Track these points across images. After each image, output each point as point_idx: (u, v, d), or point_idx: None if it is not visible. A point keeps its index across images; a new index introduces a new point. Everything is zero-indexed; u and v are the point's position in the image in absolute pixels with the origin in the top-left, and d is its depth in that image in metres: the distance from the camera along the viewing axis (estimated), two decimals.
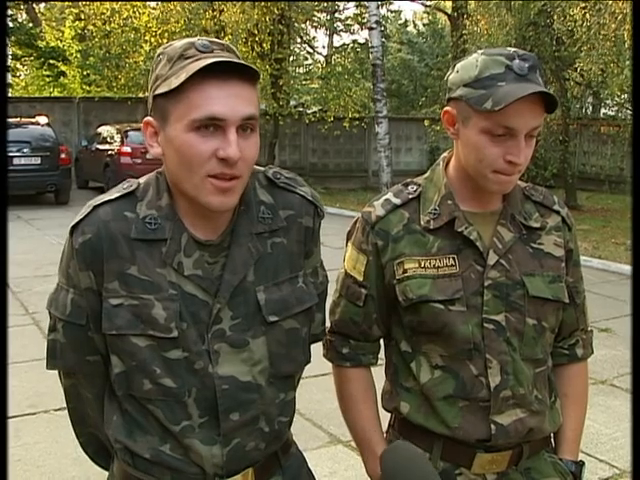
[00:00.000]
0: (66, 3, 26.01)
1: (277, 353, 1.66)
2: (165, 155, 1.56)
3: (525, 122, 1.71)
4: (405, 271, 1.84)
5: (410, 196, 1.90)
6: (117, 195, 1.62)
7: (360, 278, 1.92)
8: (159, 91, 1.51)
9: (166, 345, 1.57)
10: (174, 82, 1.47)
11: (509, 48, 1.78)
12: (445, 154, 1.97)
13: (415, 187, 1.92)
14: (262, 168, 1.74)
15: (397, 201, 1.90)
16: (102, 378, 1.71)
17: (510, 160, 1.72)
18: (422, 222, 1.86)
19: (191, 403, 1.60)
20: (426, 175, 1.96)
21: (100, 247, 1.57)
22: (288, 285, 1.68)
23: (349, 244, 1.97)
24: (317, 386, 5.11)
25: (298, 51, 28.96)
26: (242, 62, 1.48)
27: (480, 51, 1.79)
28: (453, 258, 1.83)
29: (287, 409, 1.75)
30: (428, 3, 34.49)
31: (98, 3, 21.38)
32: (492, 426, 1.82)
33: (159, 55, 1.56)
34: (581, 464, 1.96)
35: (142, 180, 1.67)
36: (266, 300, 1.64)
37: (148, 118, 1.58)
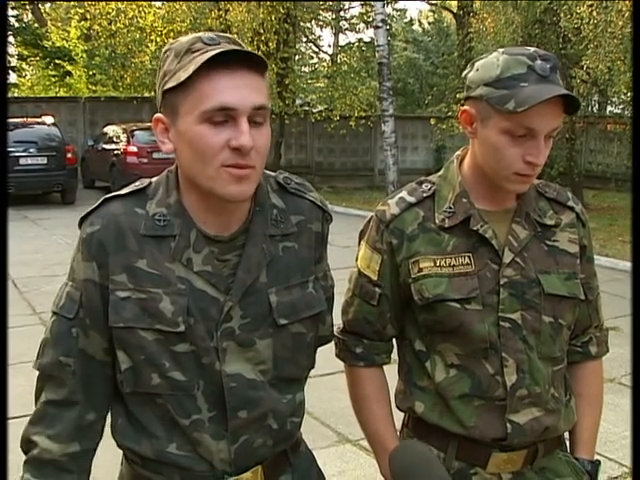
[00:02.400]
0: (72, 3, 26.07)
1: (282, 356, 1.66)
2: (177, 150, 1.55)
3: (546, 123, 1.71)
4: (420, 270, 1.83)
5: (424, 194, 1.89)
6: (128, 191, 1.63)
7: (374, 277, 1.91)
8: (168, 86, 1.50)
9: (173, 339, 1.57)
10: (182, 75, 1.46)
11: (529, 47, 1.78)
12: (459, 152, 1.96)
13: (429, 185, 1.91)
14: (273, 173, 1.75)
15: (412, 199, 1.89)
16: (71, 387, 1.62)
17: (529, 161, 1.72)
18: (437, 220, 1.85)
19: (200, 396, 1.60)
20: (440, 173, 1.95)
21: (107, 239, 1.57)
22: (298, 290, 1.68)
23: (362, 243, 1.96)
24: (325, 385, 5.10)
25: (304, 50, 28.93)
26: (250, 51, 1.48)
27: (500, 50, 1.78)
28: (468, 257, 1.82)
29: (299, 410, 1.75)
30: (434, 1, 34.49)
31: (104, 3, 21.42)
32: (508, 425, 1.81)
33: (166, 51, 1.56)
34: (597, 463, 1.95)
35: (153, 179, 1.67)
36: (278, 302, 1.63)
37: (158, 115, 1.57)
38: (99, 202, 1.62)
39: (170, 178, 1.63)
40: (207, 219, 1.60)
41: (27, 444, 1.67)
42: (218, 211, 1.59)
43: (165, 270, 1.57)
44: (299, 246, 1.69)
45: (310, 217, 1.73)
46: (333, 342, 1.98)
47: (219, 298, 1.59)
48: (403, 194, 1.92)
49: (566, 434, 1.98)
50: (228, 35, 1.57)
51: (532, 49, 1.76)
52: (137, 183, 1.66)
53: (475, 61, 1.83)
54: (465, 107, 1.82)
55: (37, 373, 1.69)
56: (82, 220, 1.61)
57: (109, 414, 1.71)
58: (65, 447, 1.63)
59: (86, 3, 22.50)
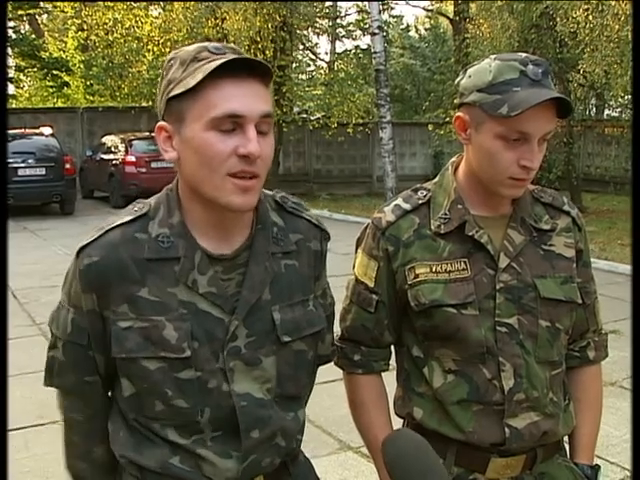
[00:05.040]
0: (69, 14, 26.08)
1: (284, 374, 1.66)
2: (182, 158, 1.54)
3: (540, 127, 1.72)
4: (417, 276, 1.84)
5: (420, 201, 1.90)
6: (128, 219, 1.60)
7: (371, 284, 1.92)
8: (174, 92, 1.50)
9: (178, 366, 1.56)
10: (191, 82, 1.46)
11: (521, 53, 1.79)
12: (454, 159, 1.97)
13: (425, 192, 1.92)
14: (270, 192, 1.75)
15: (407, 206, 1.90)
16: (98, 399, 1.71)
17: (524, 165, 1.73)
18: (433, 227, 1.86)
19: (204, 422, 1.59)
20: (435, 180, 1.96)
21: (106, 271, 1.56)
22: (300, 307, 1.68)
23: (359, 250, 1.97)
24: (327, 392, 5.07)
25: (301, 58, 28.97)
26: (258, 60, 1.49)
27: (492, 56, 1.79)
28: (464, 262, 1.83)
29: (303, 427, 1.75)
30: (430, 7, 34.56)
31: (100, 13, 21.43)
32: (506, 430, 1.81)
33: (170, 60, 1.56)
34: (597, 468, 1.95)
35: (152, 200, 1.65)
36: (281, 320, 1.63)
37: (161, 123, 1.56)
38: (99, 232, 1.59)
39: (171, 197, 1.62)
40: (209, 234, 1.59)
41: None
42: (220, 222, 1.59)
43: (166, 296, 1.56)
44: (300, 264, 1.69)
45: (308, 236, 1.73)
46: None
47: (224, 319, 1.58)
48: (398, 201, 1.93)
49: (565, 439, 1.98)
50: (233, 46, 1.58)
51: (524, 54, 1.77)
52: (136, 207, 1.64)
53: (468, 68, 1.84)
54: (459, 114, 1.82)
55: (46, 388, 1.75)
56: (80, 250, 1.59)
57: (89, 434, 1.74)
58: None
59: (83, 14, 22.51)
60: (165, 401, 1.57)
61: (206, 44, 1.54)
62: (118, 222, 1.60)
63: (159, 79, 1.59)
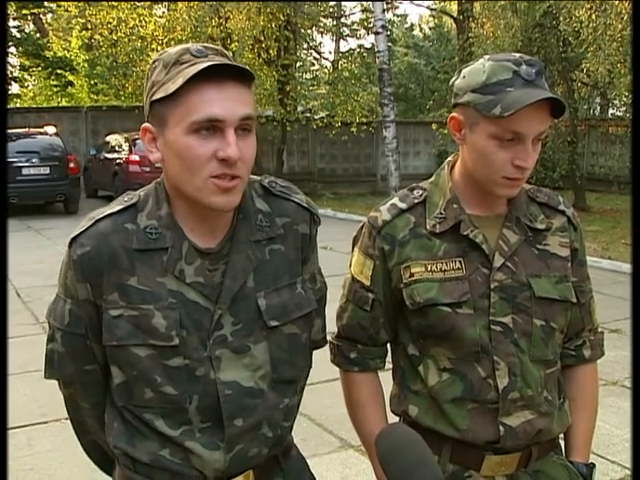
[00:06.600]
0: (73, 13, 26.11)
1: (278, 358, 1.68)
2: (165, 160, 1.58)
3: (533, 127, 1.72)
4: (412, 275, 1.85)
5: (416, 200, 1.91)
6: (118, 208, 1.64)
7: (367, 283, 1.93)
8: (156, 97, 1.53)
9: (167, 353, 1.59)
10: (171, 87, 1.49)
11: (514, 53, 1.80)
12: (450, 158, 1.98)
13: (421, 192, 1.93)
14: (258, 177, 1.77)
15: (403, 205, 1.91)
16: (100, 387, 1.73)
17: (518, 165, 1.74)
18: (428, 226, 1.87)
19: (192, 410, 1.62)
20: (431, 180, 1.97)
21: (99, 260, 1.59)
22: (287, 291, 1.70)
23: (355, 249, 1.98)
24: (327, 391, 5.10)
25: (304, 57, 28.82)
26: (237, 64, 1.51)
27: (486, 57, 1.80)
28: (459, 261, 1.83)
29: (290, 414, 1.76)
30: (434, 6, 34.53)
31: (104, 12, 21.45)
32: (500, 428, 1.82)
33: (154, 62, 1.58)
34: (592, 466, 1.96)
35: (142, 192, 1.69)
36: (266, 305, 1.65)
37: (146, 124, 1.60)
38: (90, 222, 1.63)
39: (159, 189, 1.66)
40: (195, 229, 1.62)
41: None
42: (205, 218, 1.61)
43: (156, 285, 1.59)
44: (285, 248, 1.71)
45: (296, 218, 1.74)
46: (329, 348, 2.01)
47: (210, 308, 1.61)
48: (395, 200, 1.94)
49: (561, 436, 1.99)
50: (216, 47, 1.60)
51: (518, 55, 1.78)
52: (125, 198, 1.67)
53: (462, 68, 1.85)
54: (453, 114, 1.84)
55: (47, 382, 1.78)
56: (72, 240, 1.63)
57: (101, 417, 1.76)
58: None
59: (87, 13, 22.54)
60: (154, 388, 1.60)
61: (189, 46, 1.56)
62: (108, 212, 1.64)
63: (145, 80, 1.62)
